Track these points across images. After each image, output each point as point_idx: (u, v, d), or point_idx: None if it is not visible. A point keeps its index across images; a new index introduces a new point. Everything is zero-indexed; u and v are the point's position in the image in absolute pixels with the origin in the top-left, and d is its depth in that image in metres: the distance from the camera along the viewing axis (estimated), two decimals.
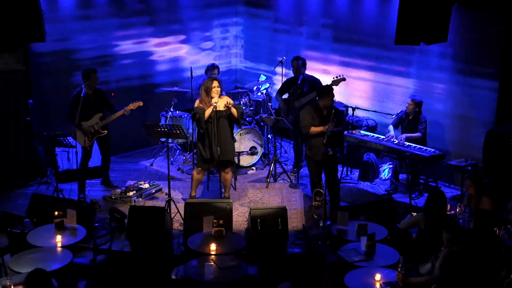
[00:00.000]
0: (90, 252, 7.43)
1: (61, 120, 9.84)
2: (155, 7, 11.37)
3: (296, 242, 8.19)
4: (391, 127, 9.57)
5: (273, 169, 10.18)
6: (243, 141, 10.56)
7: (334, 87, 9.12)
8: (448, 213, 7.26)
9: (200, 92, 8.95)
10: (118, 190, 9.52)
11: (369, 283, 6.23)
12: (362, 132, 9.88)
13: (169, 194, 8.79)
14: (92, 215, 8.41)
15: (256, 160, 10.78)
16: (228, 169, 9.00)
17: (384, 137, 9.54)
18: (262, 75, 12.16)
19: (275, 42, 12.15)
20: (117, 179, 10.15)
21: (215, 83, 8.64)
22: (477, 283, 5.77)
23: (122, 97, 11.00)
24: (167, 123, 10.61)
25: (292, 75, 10.34)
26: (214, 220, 7.40)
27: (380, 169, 10.30)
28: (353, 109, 10.44)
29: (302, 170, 10.32)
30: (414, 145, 9.14)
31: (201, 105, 8.70)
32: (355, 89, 10.87)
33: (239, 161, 10.51)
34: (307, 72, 10.23)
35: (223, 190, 9.04)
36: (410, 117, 9.40)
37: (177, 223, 8.59)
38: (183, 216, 8.25)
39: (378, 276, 6.23)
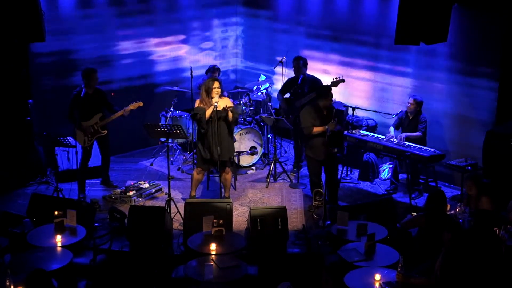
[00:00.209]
0: (90, 252, 7.43)
1: (61, 120, 9.84)
2: (155, 7, 11.37)
3: (296, 242, 8.19)
4: (391, 129, 9.57)
5: (273, 169, 10.18)
6: (243, 141, 10.57)
7: (333, 87, 9.13)
8: (448, 213, 7.26)
9: (200, 92, 8.95)
10: (118, 190, 9.52)
11: (369, 283, 6.23)
12: (362, 132, 9.88)
13: (169, 194, 8.79)
14: (92, 215, 8.41)
15: (256, 160, 10.78)
16: (228, 169, 9.00)
17: (384, 137, 9.54)
18: (262, 75, 12.16)
19: (275, 42, 12.16)
20: (117, 179, 10.15)
21: (216, 84, 8.64)
22: (477, 283, 5.77)
23: (122, 97, 11.01)
24: (167, 123, 10.61)
25: (294, 75, 10.35)
26: (214, 220, 7.40)
27: (380, 169, 10.30)
28: (353, 109, 10.44)
29: (302, 170, 10.32)
30: (414, 145, 9.14)
31: (201, 105, 8.70)
32: (355, 89, 10.88)
33: (239, 161, 10.51)
34: (307, 72, 10.23)
35: (223, 190, 9.05)
36: (411, 117, 9.40)
37: (177, 223, 8.59)
38: (183, 216, 8.25)
39: (378, 276, 6.23)
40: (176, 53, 11.83)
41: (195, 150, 9.61)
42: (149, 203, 9.37)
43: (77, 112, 9.21)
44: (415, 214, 7.74)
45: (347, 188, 9.90)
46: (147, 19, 11.32)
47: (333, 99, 9.04)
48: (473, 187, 7.48)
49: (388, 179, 10.04)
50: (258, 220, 7.84)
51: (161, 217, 7.92)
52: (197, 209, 7.98)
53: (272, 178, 10.17)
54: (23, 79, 9.83)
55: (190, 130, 10.68)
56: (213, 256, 6.94)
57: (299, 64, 10.09)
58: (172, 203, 8.76)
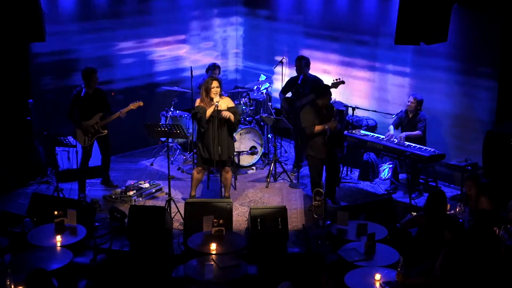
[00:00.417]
0: (90, 251, 7.43)
1: (61, 120, 9.84)
2: (155, 7, 11.38)
3: (296, 241, 8.20)
4: (391, 127, 9.58)
5: (273, 169, 10.19)
6: (243, 141, 10.57)
7: (333, 88, 9.15)
8: (448, 213, 7.26)
9: (200, 92, 8.96)
10: (118, 190, 9.53)
11: (369, 283, 6.23)
12: (362, 131, 9.89)
13: (169, 194, 8.80)
14: (92, 215, 8.41)
15: (256, 159, 10.78)
16: (228, 169, 9.00)
17: (383, 136, 9.54)
18: (262, 74, 12.17)
19: (275, 42, 12.17)
20: (117, 179, 10.16)
21: (215, 83, 8.64)
22: (477, 283, 5.77)
23: (122, 97, 11.03)
24: (167, 122, 10.62)
25: (295, 74, 10.36)
26: (214, 220, 7.40)
27: (380, 168, 10.30)
28: (353, 108, 10.45)
29: (302, 170, 10.33)
30: (414, 144, 9.15)
31: (201, 104, 8.71)
32: (355, 89, 10.88)
33: (239, 160, 10.51)
34: (310, 72, 10.23)
35: (223, 189, 9.05)
36: (410, 115, 9.41)
37: (177, 223, 8.60)
38: (183, 215, 8.26)
39: (378, 276, 6.23)
40: (176, 53, 11.84)
41: (195, 150, 9.61)
42: (149, 202, 9.38)
43: (77, 112, 9.22)
44: (415, 214, 7.74)
45: (347, 188, 9.91)
46: (147, 19, 11.32)
47: (333, 98, 9.04)
48: (472, 187, 7.48)
49: (388, 179, 10.05)
50: (258, 219, 7.85)
51: (161, 217, 7.92)
52: (197, 209, 7.99)
53: (272, 178, 10.18)
54: (23, 79, 9.84)
55: (190, 130, 10.68)
56: (213, 255, 6.95)
57: (301, 64, 10.10)
58: (172, 202, 8.77)
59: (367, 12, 10.60)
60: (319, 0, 11.26)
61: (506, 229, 6.82)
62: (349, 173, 10.44)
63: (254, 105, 11.13)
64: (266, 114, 10.70)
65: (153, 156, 11.14)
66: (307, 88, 10.05)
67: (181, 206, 8.53)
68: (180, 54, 11.90)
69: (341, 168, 9.81)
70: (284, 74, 10.86)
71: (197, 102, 8.80)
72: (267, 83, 11.64)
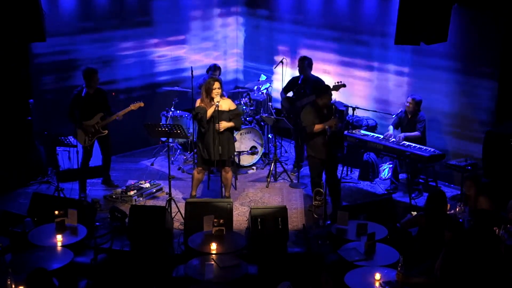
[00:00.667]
0: (90, 251, 7.44)
1: (61, 120, 9.86)
2: (156, 7, 11.38)
3: (296, 241, 8.20)
4: (390, 127, 9.59)
5: (274, 169, 10.20)
6: (244, 141, 10.58)
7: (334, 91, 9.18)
8: (448, 212, 7.27)
9: (201, 92, 8.97)
10: (119, 190, 9.54)
11: (369, 283, 6.24)
12: (362, 131, 9.89)
13: (169, 194, 8.81)
14: (93, 215, 8.43)
15: (257, 159, 10.79)
16: (228, 168, 9.01)
17: (383, 136, 9.55)
18: (262, 74, 12.18)
19: (275, 42, 12.17)
20: (118, 179, 10.17)
21: (216, 84, 8.66)
22: (477, 283, 5.78)
23: (123, 97, 11.05)
24: (167, 122, 10.63)
25: (296, 74, 10.38)
26: (215, 220, 7.41)
27: (380, 168, 10.31)
28: (353, 108, 10.45)
29: (302, 169, 10.34)
30: (414, 144, 9.15)
31: (202, 104, 8.72)
32: (355, 89, 10.89)
33: (239, 160, 10.53)
34: (312, 72, 10.24)
35: (223, 189, 9.06)
36: (410, 117, 9.42)
37: (178, 223, 8.61)
38: (183, 215, 8.27)
39: (378, 276, 6.24)
40: (176, 53, 11.84)
41: (195, 150, 9.62)
42: (150, 202, 9.39)
43: (78, 111, 9.23)
44: (415, 213, 7.75)
45: (347, 188, 9.91)
46: (148, 19, 11.33)
47: (333, 98, 9.05)
48: (472, 187, 7.48)
49: (388, 178, 10.05)
50: (259, 219, 7.85)
51: (161, 217, 7.93)
52: (198, 209, 8.00)
53: (272, 178, 10.19)
54: (24, 79, 9.85)
55: (191, 130, 10.69)
56: (213, 255, 6.95)
57: (304, 64, 10.11)
58: (172, 202, 8.78)
59: (367, 12, 10.61)
60: (319, 0, 11.26)
61: (506, 229, 6.82)
62: (349, 173, 10.45)
63: (255, 105, 11.14)
64: (266, 114, 10.71)
65: (153, 156, 11.15)
66: (308, 89, 10.06)
67: (182, 206, 8.54)
68: (181, 54, 11.91)
69: (341, 169, 9.82)
70: (284, 74, 10.86)
71: (198, 102, 8.81)
72: (267, 83, 11.65)
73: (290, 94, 10.43)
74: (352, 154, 10.29)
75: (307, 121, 8.84)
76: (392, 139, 9.37)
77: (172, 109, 10.83)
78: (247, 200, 9.52)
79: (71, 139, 9.14)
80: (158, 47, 11.58)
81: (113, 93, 10.50)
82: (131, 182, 9.89)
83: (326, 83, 9.93)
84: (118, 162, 10.91)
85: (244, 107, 10.86)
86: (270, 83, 11.74)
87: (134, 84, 11.39)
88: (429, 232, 6.93)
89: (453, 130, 9.79)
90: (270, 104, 10.98)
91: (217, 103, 8.56)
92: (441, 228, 6.46)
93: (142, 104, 9.52)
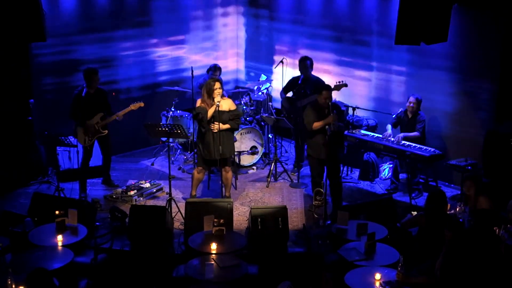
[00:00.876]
0: (91, 251, 7.44)
1: (62, 120, 9.86)
2: (156, 7, 11.39)
3: (296, 241, 8.21)
4: (389, 126, 9.59)
5: (274, 169, 10.20)
6: (244, 141, 10.59)
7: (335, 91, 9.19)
8: (448, 212, 7.27)
9: (201, 92, 8.98)
10: (119, 190, 9.55)
11: (369, 283, 6.24)
12: (363, 131, 9.90)
13: (170, 194, 8.81)
14: (93, 215, 8.42)
15: (257, 159, 10.80)
16: (228, 168, 9.02)
17: (381, 136, 9.56)
18: (262, 74, 12.18)
19: (275, 42, 12.18)
20: (118, 179, 10.18)
21: (217, 85, 8.67)
22: (477, 283, 5.78)
23: (123, 97, 11.05)
24: (167, 122, 10.63)
25: (295, 74, 10.38)
26: (215, 220, 7.41)
27: (380, 168, 10.31)
28: (353, 108, 10.46)
29: (302, 169, 10.34)
30: (414, 144, 9.16)
31: (203, 104, 8.73)
32: (355, 89, 10.89)
33: (239, 160, 10.53)
34: (313, 73, 10.25)
35: (223, 189, 9.07)
36: (410, 116, 9.42)
37: (178, 222, 8.62)
38: (183, 215, 8.27)
39: (378, 275, 6.24)
40: (176, 53, 11.85)
41: (195, 150, 9.63)
42: (150, 202, 9.40)
43: (79, 111, 9.23)
44: (415, 213, 7.75)
45: (347, 188, 9.91)
46: (148, 19, 11.33)
47: (333, 98, 9.05)
48: (471, 187, 7.48)
49: (388, 178, 10.06)
50: (259, 219, 7.86)
51: (162, 217, 7.94)
52: (198, 209, 8.00)
53: (272, 178, 10.20)
54: (24, 79, 9.85)
55: (191, 130, 10.70)
56: (213, 255, 6.96)
57: (306, 65, 10.11)
58: (173, 202, 8.78)
59: (367, 12, 10.61)
60: (320, 0, 11.27)
61: (506, 229, 6.83)
62: (349, 173, 10.46)
63: (255, 105, 11.15)
64: (266, 114, 10.72)
65: (153, 156, 11.16)
66: (308, 89, 10.06)
67: (182, 205, 8.54)
68: (180, 54, 11.91)
69: (341, 169, 9.82)
70: (284, 74, 10.86)
71: (198, 102, 8.82)
72: (267, 83, 11.65)
73: (289, 94, 10.43)
74: (352, 154, 10.30)
75: (307, 118, 8.84)
76: (392, 139, 9.37)
77: (172, 109, 10.83)
78: (247, 200, 9.53)
79: (71, 139, 9.14)
80: (158, 47, 11.58)
81: (113, 93, 10.50)
82: (131, 182, 9.90)
83: (326, 83, 9.94)
84: (119, 162, 10.92)
85: (244, 107, 10.86)
86: (270, 83, 11.74)
87: (134, 84, 11.40)
88: (429, 232, 6.93)
89: (453, 130, 9.79)
90: (270, 104, 10.99)
91: (218, 103, 8.56)
92: (441, 228, 6.46)
93: (142, 104, 9.53)
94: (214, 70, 10.56)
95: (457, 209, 7.50)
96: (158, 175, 10.41)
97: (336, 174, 9.01)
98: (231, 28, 12.63)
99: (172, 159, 10.75)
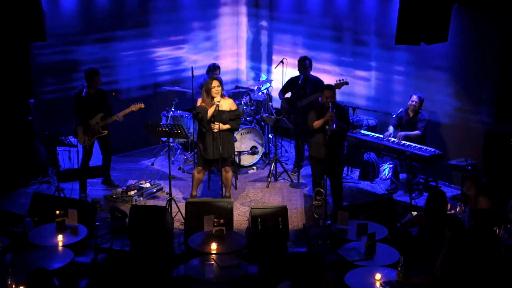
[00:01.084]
0: (91, 251, 7.44)
1: (62, 120, 9.86)
2: (156, 7, 11.39)
3: (296, 241, 8.20)
4: (391, 128, 9.59)
5: (274, 169, 10.20)
6: (244, 141, 10.59)
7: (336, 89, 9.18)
8: (448, 212, 7.27)
9: (201, 92, 8.98)
10: (119, 190, 9.55)
11: (369, 283, 6.24)
12: (363, 131, 9.90)
13: (170, 194, 8.81)
14: (93, 215, 8.42)
15: (257, 159, 10.80)
16: (228, 168, 9.02)
17: (382, 136, 9.55)
18: (262, 74, 12.18)
19: (275, 42, 12.18)
20: (118, 179, 10.18)
21: (215, 83, 8.67)
22: (477, 282, 5.79)
23: (123, 97, 11.05)
24: (168, 122, 10.63)
25: (294, 74, 10.37)
26: (215, 219, 7.42)
27: (381, 168, 10.31)
28: (354, 108, 10.46)
29: (302, 169, 10.35)
30: (414, 144, 9.15)
31: (203, 104, 8.73)
32: (356, 89, 10.89)
33: (240, 160, 10.53)
34: (311, 73, 10.25)
35: (223, 189, 9.07)
36: (411, 115, 9.42)
37: (178, 222, 8.62)
38: (184, 215, 8.27)
39: (378, 276, 6.24)
40: (176, 53, 11.85)
41: (196, 150, 9.63)
42: (150, 202, 9.40)
43: (79, 111, 9.24)
44: (415, 213, 7.75)
45: (347, 188, 9.91)
46: (148, 19, 11.33)
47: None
48: (471, 187, 7.48)
49: (388, 178, 10.05)
50: (259, 219, 7.86)
51: (162, 217, 7.94)
52: (198, 209, 8.00)
53: (272, 178, 10.19)
54: (24, 79, 9.85)
55: (191, 130, 10.70)
56: (213, 255, 6.96)
57: (305, 65, 10.10)
58: (173, 202, 8.78)
59: (367, 12, 10.61)
60: (320, 0, 11.27)
61: (506, 229, 6.82)
62: (349, 173, 10.45)
63: (255, 105, 11.15)
64: (266, 114, 10.72)
65: (154, 156, 11.16)
66: (308, 89, 10.06)
67: (182, 205, 8.54)
68: (180, 54, 11.91)
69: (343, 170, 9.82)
70: (284, 74, 10.87)
71: (199, 102, 8.83)
72: (267, 83, 11.66)
73: (288, 94, 10.43)
74: (352, 154, 10.30)
75: (309, 117, 8.83)
76: (393, 139, 9.37)
77: (173, 109, 10.83)
78: (248, 200, 9.53)
79: (72, 139, 9.15)
80: (158, 47, 11.58)
81: (113, 93, 10.50)
82: (131, 182, 9.90)
83: (326, 82, 9.94)
84: (119, 162, 10.92)
85: (244, 107, 10.86)
86: (270, 83, 11.74)
87: (134, 84, 11.40)
88: (429, 232, 6.94)
89: (453, 130, 9.78)
90: (271, 104, 10.99)
91: (218, 103, 8.57)
92: (441, 228, 6.46)
93: (142, 105, 9.54)
94: (214, 69, 10.56)
95: (457, 209, 7.50)
96: (158, 175, 10.41)
97: (338, 175, 8.98)
98: (231, 28, 12.63)
99: (172, 159, 10.75)
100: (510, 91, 8.99)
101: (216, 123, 8.63)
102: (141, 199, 9.43)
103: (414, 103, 9.32)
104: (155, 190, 9.67)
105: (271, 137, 11.10)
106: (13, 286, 5.94)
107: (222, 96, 8.77)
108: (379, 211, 8.09)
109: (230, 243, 7.30)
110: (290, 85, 10.37)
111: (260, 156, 10.81)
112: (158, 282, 7.10)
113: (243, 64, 12.88)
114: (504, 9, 8.78)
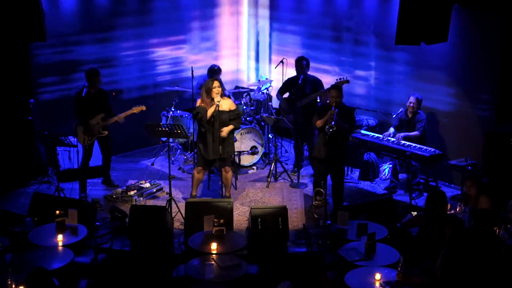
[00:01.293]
0: (91, 251, 7.44)
1: (62, 120, 9.86)
2: (156, 7, 11.39)
3: (296, 241, 8.20)
4: (391, 129, 9.58)
5: (274, 169, 10.20)
6: (244, 141, 10.59)
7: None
8: (448, 212, 7.27)
9: (201, 92, 8.98)
10: (119, 190, 9.55)
11: (369, 283, 6.24)
12: (363, 131, 9.89)
13: (170, 193, 8.81)
14: (93, 214, 8.43)
15: (257, 159, 10.80)
16: (228, 168, 9.02)
17: (382, 136, 9.55)
18: (262, 74, 12.18)
19: (275, 41, 12.18)
20: (118, 178, 10.18)
21: (216, 84, 8.67)
22: (477, 282, 5.79)
23: (123, 97, 11.05)
24: (168, 122, 10.63)
25: (292, 74, 10.37)
26: (215, 220, 7.42)
27: (380, 168, 10.31)
28: (354, 108, 10.44)
29: (302, 169, 10.34)
30: (414, 144, 9.15)
31: (202, 104, 8.73)
32: (355, 89, 10.89)
33: (240, 160, 10.53)
34: (309, 72, 10.25)
35: (223, 189, 9.07)
36: (410, 115, 9.42)
37: (178, 222, 8.61)
38: (184, 215, 8.27)
39: (378, 276, 6.24)
40: (176, 53, 11.85)
41: (196, 150, 9.63)
42: (150, 202, 9.40)
43: (79, 111, 9.25)
44: (415, 213, 7.75)
45: (347, 188, 9.90)
46: (148, 19, 11.33)
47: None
48: (472, 187, 7.48)
49: (388, 178, 10.05)
50: (259, 219, 7.86)
51: (162, 217, 7.94)
52: (198, 209, 8.00)
53: (272, 178, 10.19)
54: (24, 79, 9.85)
55: (191, 130, 10.70)
56: (213, 255, 6.96)
57: (303, 65, 10.10)
58: (173, 202, 8.78)
59: (367, 12, 10.62)
60: (320, 0, 11.27)
61: (506, 229, 6.82)
62: (349, 173, 10.45)
63: (255, 105, 11.15)
64: (266, 114, 10.71)
65: (154, 156, 11.16)
66: (307, 88, 10.06)
67: (182, 205, 8.54)
68: (180, 54, 11.91)
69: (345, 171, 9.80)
70: (284, 74, 10.86)
71: (198, 102, 8.83)
72: (267, 83, 11.66)
73: (286, 95, 10.43)
74: (352, 154, 10.29)
75: (314, 118, 8.82)
76: (392, 139, 9.37)
77: (173, 109, 10.83)
78: (247, 200, 9.53)
79: (72, 139, 9.15)
80: (158, 47, 11.58)
81: (113, 93, 10.50)
82: (131, 182, 9.90)
83: (324, 82, 9.95)
84: (119, 162, 10.92)
85: (244, 107, 10.87)
86: (270, 83, 11.74)
87: (134, 84, 11.40)
88: (429, 232, 6.93)
89: (453, 130, 9.78)
90: (271, 104, 10.99)
91: (218, 103, 8.57)
92: (441, 228, 6.46)
93: (143, 108, 9.55)
94: (214, 71, 10.55)
95: (457, 209, 7.50)
96: (158, 175, 10.41)
97: (339, 176, 8.94)
98: (231, 28, 12.62)
99: (172, 159, 10.75)
100: (510, 91, 8.99)
101: (223, 129, 8.62)
102: (141, 199, 9.43)
103: (412, 104, 9.33)
104: (155, 190, 9.67)
105: (271, 137, 11.10)
106: (13, 286, 5.94)
107: (223, 95, 8.77)
108: (379, 211, 8.10)
109: (230, 243, 7.30)
110: (287, 85, 10.37)
111: (260, 156, 10.82)
112: (158, 282, 7.10)
113: (243, 64, 12.88)
114: (504, 9, 8.78)
